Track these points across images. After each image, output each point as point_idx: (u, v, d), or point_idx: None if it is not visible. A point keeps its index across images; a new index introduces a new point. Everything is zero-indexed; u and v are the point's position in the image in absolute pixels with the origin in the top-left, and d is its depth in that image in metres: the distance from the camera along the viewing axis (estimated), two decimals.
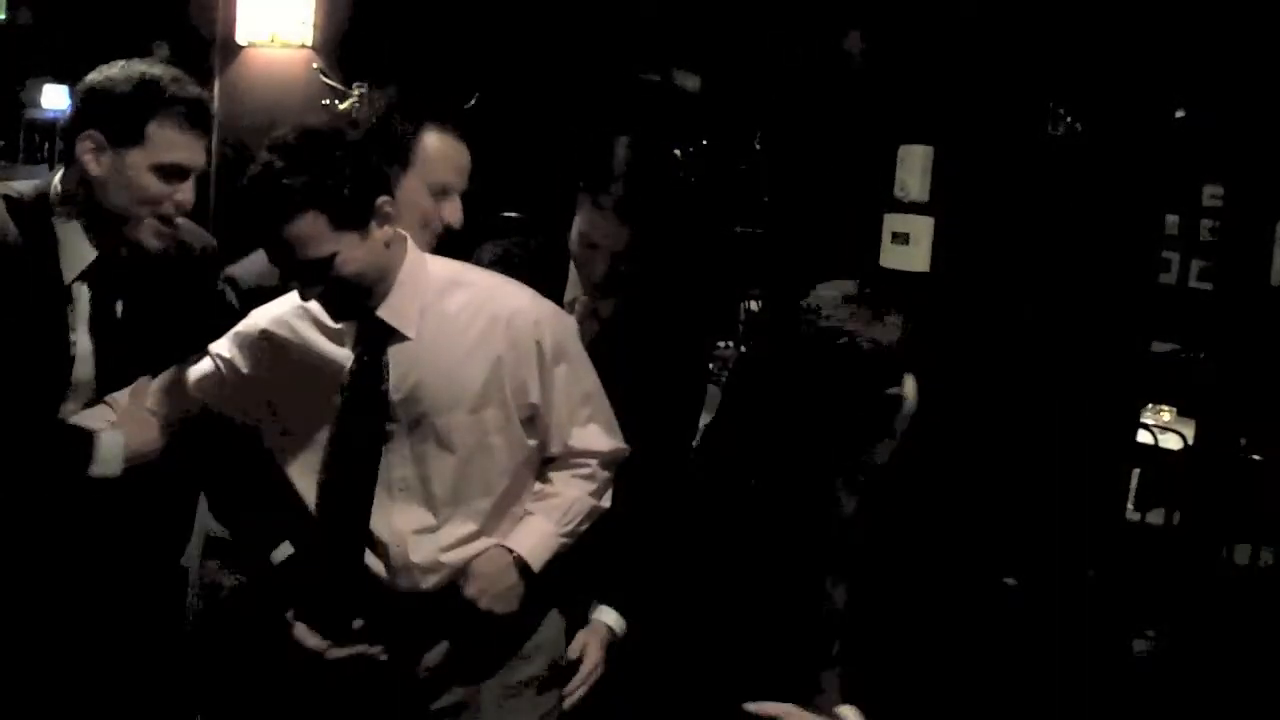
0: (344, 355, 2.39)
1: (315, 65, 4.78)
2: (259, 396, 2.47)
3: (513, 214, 3.36)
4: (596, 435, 2.53)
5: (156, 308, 2.54)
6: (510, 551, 2.43)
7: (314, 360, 2.41)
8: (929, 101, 4.11)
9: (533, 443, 2.47)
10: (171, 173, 2.40)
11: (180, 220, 2.57)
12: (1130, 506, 4.54)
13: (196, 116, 2.42)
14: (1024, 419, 4.00)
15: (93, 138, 2.37)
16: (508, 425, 2.42)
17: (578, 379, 2.50)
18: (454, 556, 2.41)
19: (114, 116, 2.36)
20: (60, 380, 2.46)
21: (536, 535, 2.47)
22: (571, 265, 2.83)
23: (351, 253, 2.27)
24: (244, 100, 4.85)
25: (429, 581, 2.40)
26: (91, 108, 2.39)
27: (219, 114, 4.91)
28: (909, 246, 4.05)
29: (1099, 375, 4.09)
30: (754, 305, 5.40)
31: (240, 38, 4.87)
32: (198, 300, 2.59)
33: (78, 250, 2.45)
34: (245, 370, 2.46)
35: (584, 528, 2.52)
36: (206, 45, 4.92)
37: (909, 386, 2.41)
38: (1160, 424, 4.77)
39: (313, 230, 2.23)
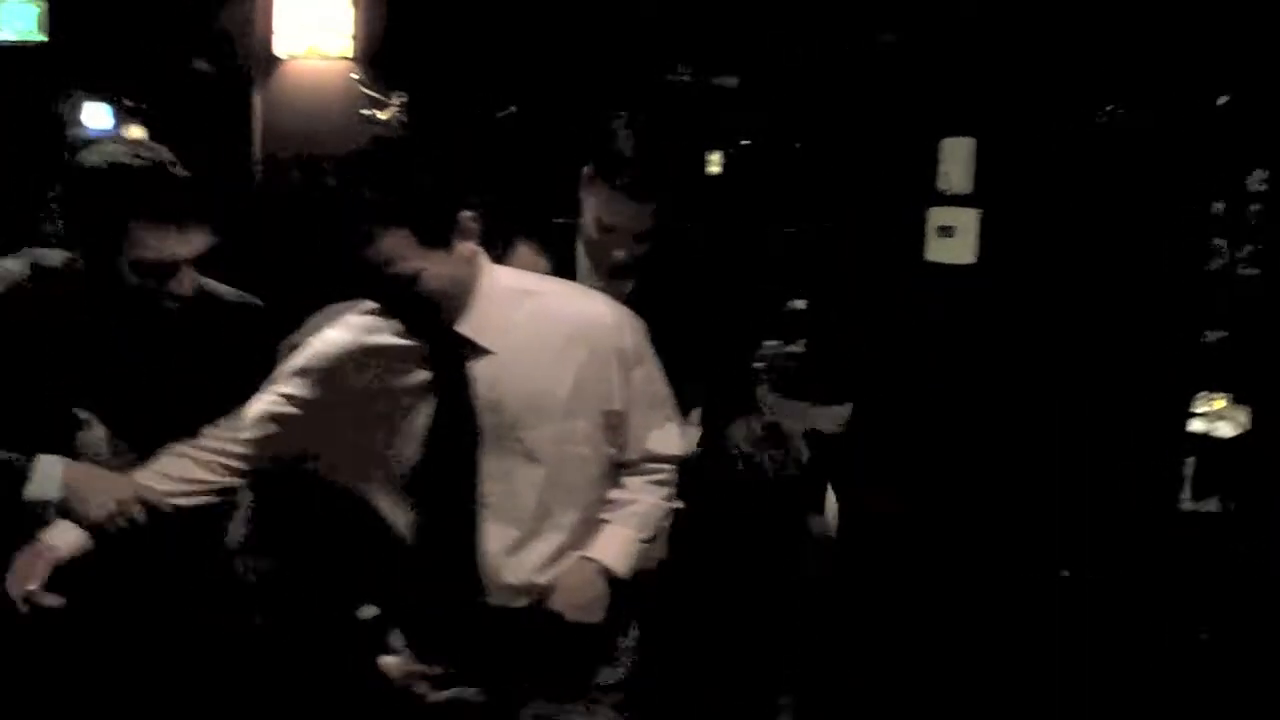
0: (421, 376, 2.37)
1: (354, 76, 4.79)
2: (331, 429, 2.42)
3: (560, 219, 3.35)
4: (672, 438, 2.52)
5: (189, 377, 2.49)
6: (594, 562, 2.41)
7: (390, 384, 2.38)
8: (969, 93, 4.09)
9: (613, 450, 2.46)
10: (152, 269, 2.33)
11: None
12: (1186, 496, 4.49)
13: (172, 209, 2.31)
14: (1075, 411, 3.98)
15: (74, 228, 2.33)
16: (593, 434, 2.41)
17: (654, 381, 2.49)
18: (546, 576, 2.39)
19: (89, 209, 2.29)
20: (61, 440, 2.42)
21: (619, 543, 2.45)
22: (580, 254, 2.82)
23: (436, 269, 2.24)
24: (284, 113, 4.87)
25: (521, 602, 2.38)
26: (71, 191, 2.32)
27: (259, 127, 4.94)
28: (954, 239, 4.03)
29: (1150, 364, 4.06)
30: (800, 304, 5.37)
31: (278, 50, 4.89)
32: (238, 366, 2.51)
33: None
34: (314, 403, 2.42)
35: (657, 531, 2.52)
36: (245, 59, 4.95)
37: (829, 502, 2.48)
38: (1214, 412, 4.71)
39: (398, 248, 2.19)
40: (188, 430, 2.43)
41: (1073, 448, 4.02)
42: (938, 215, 4.08)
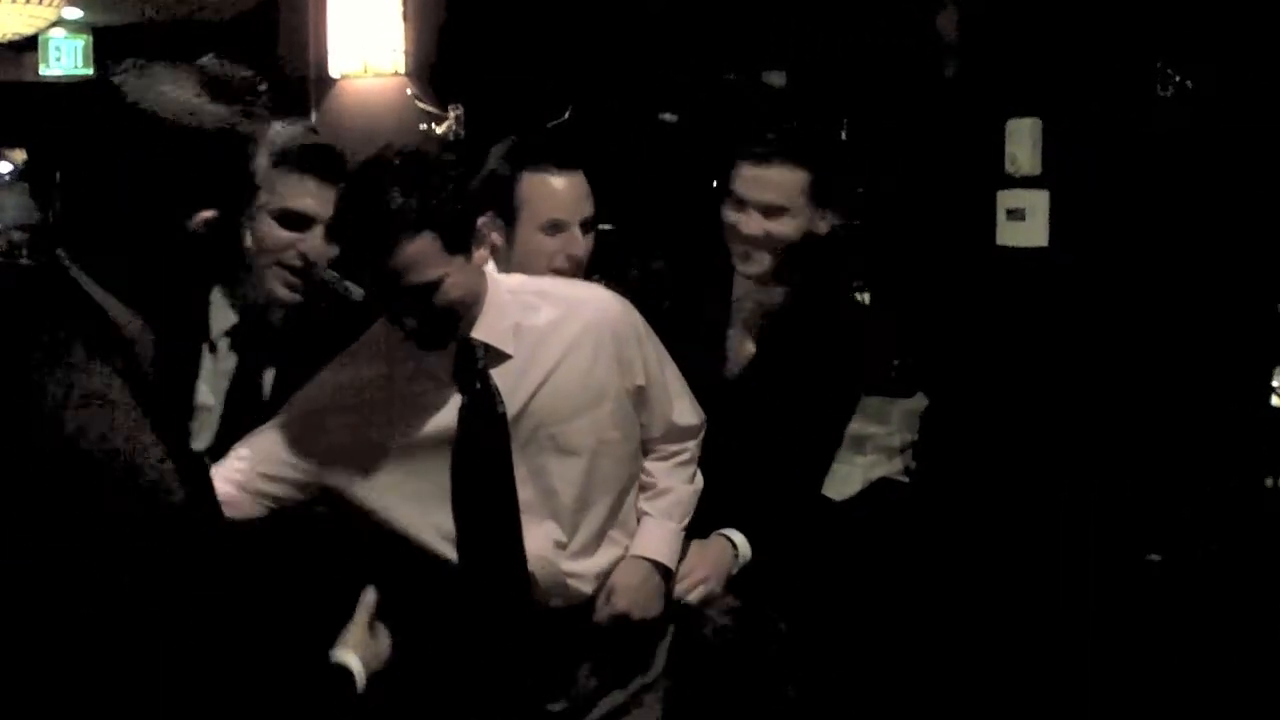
0: (443, 391, 2.35)
1: (409, 91, 4.81)
2: (352, 464, 2.38)
3: (607, 226, 3.34)
4: (690, 409, 2.57)
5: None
6: (647, 560, 2.48)
7: (410, 405, 2.35)
8: (1030, 72, 4.05)
9: (641, 426, 2.49)
10: (291, 220, 2.39)
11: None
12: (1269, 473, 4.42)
13: (317, 163, 2.41)
14: (1153, 390, 3.92)
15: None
16: (623, 415, 2.43)
17: (663, 354, 2.53)
18: (604, 558, 2.43)
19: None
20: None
21: (664, 535, 2.51)
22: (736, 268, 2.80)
23: (458, 276, 2.23)
24: (342, 131, 4.89)
25: (589, 587, 2.41)
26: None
27: None
28: (1025, 222, 3.98)
29: (1228, 341, 4.00)
30: (865, 298, 5.33)
31: (333, 70, 4.91)
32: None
33: (223, 311, 2.46)
34: (334, 441, 2.37)
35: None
36: (301, 81, 4.97)
37: None
38: None
39: (425, 253, 2.17)
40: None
41: (1151, 429, 3.96)
42: (1006, 199, 4.03)
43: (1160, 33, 3.95)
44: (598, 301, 2.47)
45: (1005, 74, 4.08)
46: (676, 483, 2.55)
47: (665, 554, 2.50)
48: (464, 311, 2.29)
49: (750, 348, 2.83)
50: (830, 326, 2.79)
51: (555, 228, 2.68)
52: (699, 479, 2.59)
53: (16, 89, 9.38)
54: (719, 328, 2.85)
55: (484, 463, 2.36)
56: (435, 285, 2.20)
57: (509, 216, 2.68)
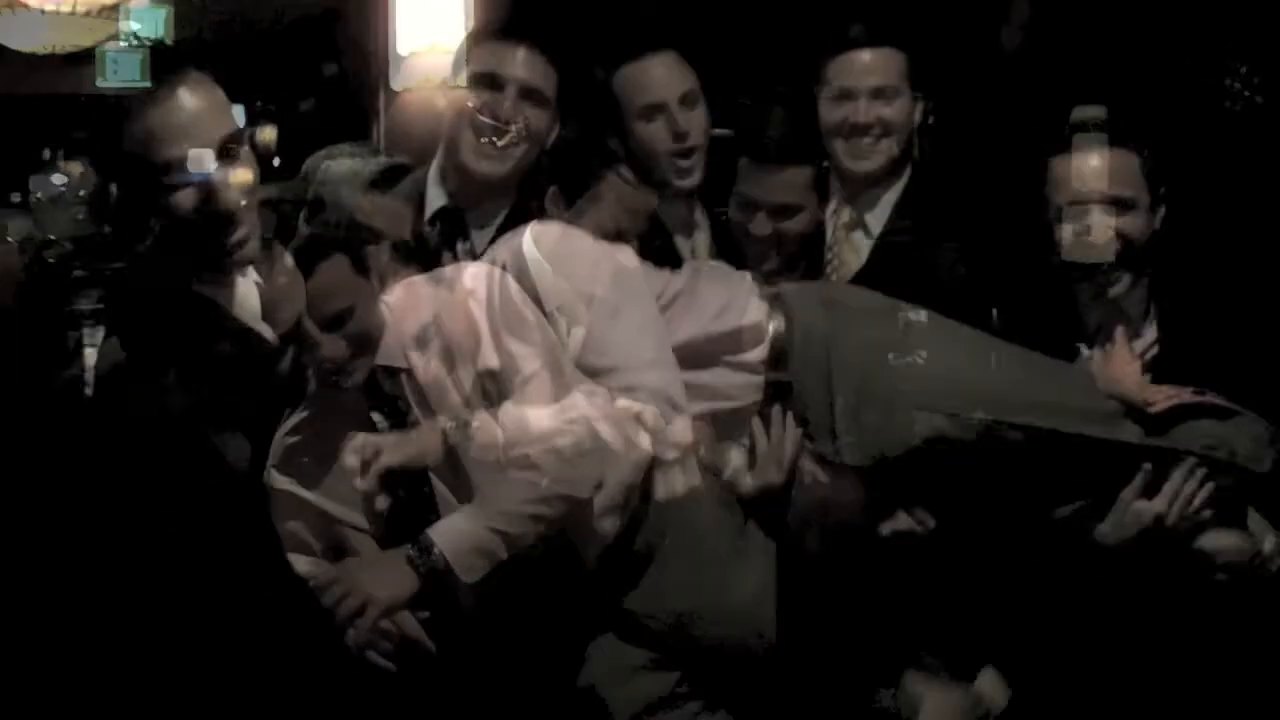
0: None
1: (470, 104, 4.80)
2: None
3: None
4: (528, 417, 2.38)
5: None
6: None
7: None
8: (1097, 82, 4.03)
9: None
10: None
11: None
12: None
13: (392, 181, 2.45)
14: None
15: None
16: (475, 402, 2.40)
17: (523, 354, 2.39)
18: None
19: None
20: None
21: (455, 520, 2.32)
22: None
23: (367, 304, 2.24)
24: (405, 146, 4.90)
25: None
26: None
27: None
28: (1091, 237, 3.95)
29: None
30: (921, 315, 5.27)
31: (395, 84, 4.93)
32: None
33: None
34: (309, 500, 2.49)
35: (544, 511, 2.34)
36: (363, 94, 4.99)
37: None
38: None
39: (339, 279, 2.19)
40: None
41: None
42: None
43: (1228, 45, 3.93)
44: (451, 282, 2.41)
45: (1071, 85, 4.06)
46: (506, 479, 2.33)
47: (441, 533, 2.25)
48: (375, 344, 2.27)
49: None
50: None
51: (653, 110, 2.66)
52: (576, 486, 2.35)
53: (73, 102, 9.44)
54: None
55: (416, 478, 2.37)
56: (347, 314, 2.18)
57: (614, 119, 2.65)
